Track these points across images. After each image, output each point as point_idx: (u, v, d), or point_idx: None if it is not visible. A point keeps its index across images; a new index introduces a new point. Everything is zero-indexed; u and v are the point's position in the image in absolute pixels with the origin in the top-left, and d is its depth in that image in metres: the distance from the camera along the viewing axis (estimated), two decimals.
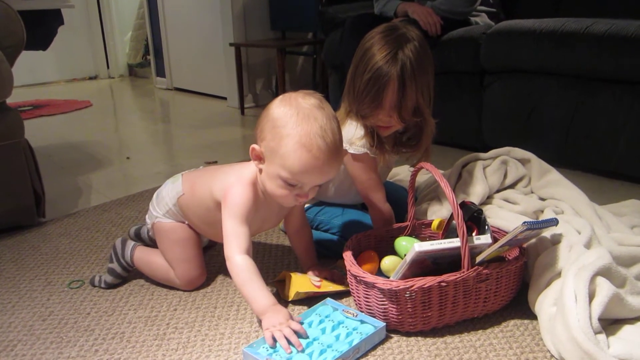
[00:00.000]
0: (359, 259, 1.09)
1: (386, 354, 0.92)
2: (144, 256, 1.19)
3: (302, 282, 1.09)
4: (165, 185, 1.18)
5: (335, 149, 0.94)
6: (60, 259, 1.34)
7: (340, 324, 0.97)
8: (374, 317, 0.98)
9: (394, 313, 0.94)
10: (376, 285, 0.94)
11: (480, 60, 2.01)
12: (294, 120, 0.93)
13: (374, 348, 0.93)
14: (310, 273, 1.14)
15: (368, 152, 1.18)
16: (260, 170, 1.01)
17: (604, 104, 1.73)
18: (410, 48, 1.09)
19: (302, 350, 0.89)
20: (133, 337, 1.00)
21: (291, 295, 1.07)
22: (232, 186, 1.02)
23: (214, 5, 3.23)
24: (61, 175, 2.05)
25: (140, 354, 0.95)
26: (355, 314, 0.99)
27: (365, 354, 0.92)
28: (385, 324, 0.96)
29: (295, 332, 0.92)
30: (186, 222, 1.15)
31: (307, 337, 0.92)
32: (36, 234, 1.50)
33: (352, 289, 1.02)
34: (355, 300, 1.03)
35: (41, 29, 2.36)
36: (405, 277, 0.96)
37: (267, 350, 0.90)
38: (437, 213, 1.27)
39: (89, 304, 1.12)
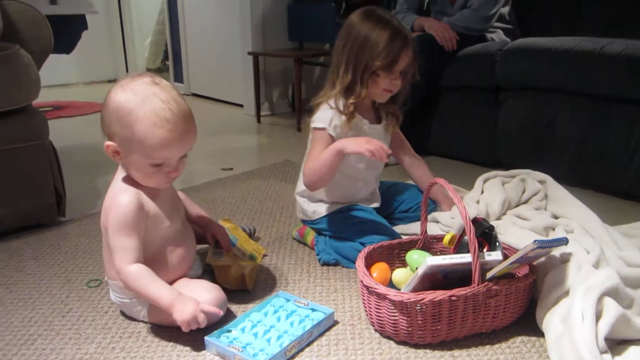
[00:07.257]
0: (371, 270, 1.12)
1: None
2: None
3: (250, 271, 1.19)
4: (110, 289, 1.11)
5: (184, 114, 0.96)
6: (80, 258, 1.38)
7: (293, 313, 1.06)
8: (384, 328, 1.00)
9: (404, 325, 0.96)
10: (388, 296, 0.96)
11: (495, 76, 2.03)
12: (136, 104, 0.93)
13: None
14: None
15: (326, 127, 1.27)
16: (124, 165, 1.01)
17: (618, 124, 1.74)
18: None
19: (257, 336, 0.99)
20: (149, 337, 1.03)
21: (252, 285, 1.18)
22: (113, 198, 0.99)
23: (234, 14, 3.29)
24: (80, 176, 2.09)
25: (156, 353, 0.98)
26: (305, 303, 1.08)
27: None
28: (333, 310, 1.06)
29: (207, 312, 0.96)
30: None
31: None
32: (57, 232, 1.54)
33: (364, 300, 1.05)
34: (365, 311, 1.06)
35: (66, 33, 2.42)
36: (416, 290, 0.99)
37: (228, 338, 0.98)
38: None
39: (106, 302, 1.16)
